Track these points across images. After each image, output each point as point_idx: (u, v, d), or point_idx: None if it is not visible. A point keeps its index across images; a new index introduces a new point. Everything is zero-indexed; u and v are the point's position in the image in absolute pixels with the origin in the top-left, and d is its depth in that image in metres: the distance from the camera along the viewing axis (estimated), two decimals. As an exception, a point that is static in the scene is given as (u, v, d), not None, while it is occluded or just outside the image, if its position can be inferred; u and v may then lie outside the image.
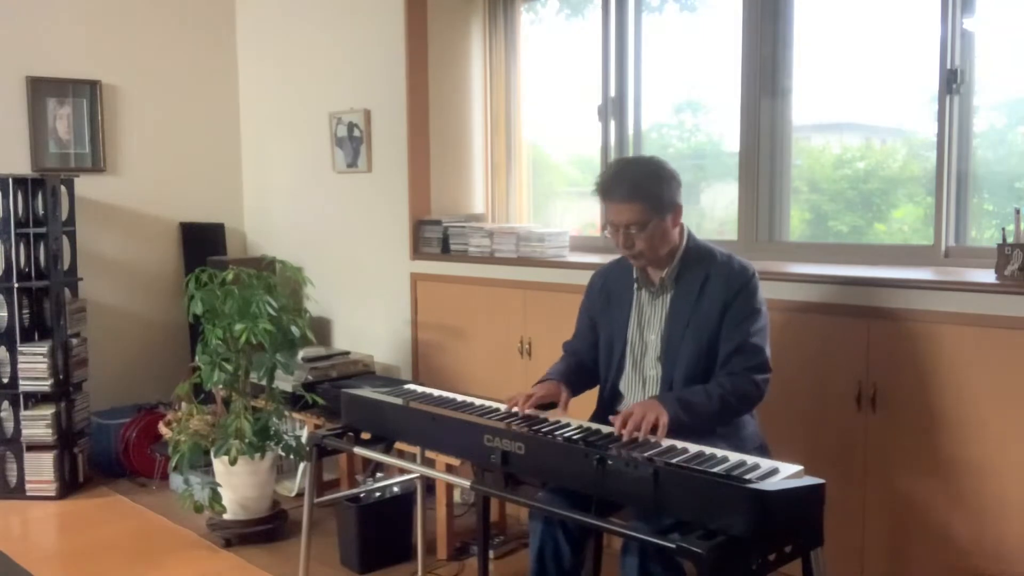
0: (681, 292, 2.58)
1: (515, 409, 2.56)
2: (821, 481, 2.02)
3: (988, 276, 2.71)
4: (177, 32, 5.22)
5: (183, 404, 3.85)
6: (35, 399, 4.37)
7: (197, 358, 3.81)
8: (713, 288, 2.53)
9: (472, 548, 3.60)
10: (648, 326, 2.64)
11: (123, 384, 4.96)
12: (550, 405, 2.63)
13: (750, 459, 2.15)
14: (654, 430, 2.30)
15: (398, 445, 3.03)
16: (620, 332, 2.68)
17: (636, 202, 2.49)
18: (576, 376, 2.73)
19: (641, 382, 2.65)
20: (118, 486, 4.51)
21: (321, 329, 4.87)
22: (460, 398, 2.85)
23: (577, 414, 2.65)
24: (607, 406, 2.69)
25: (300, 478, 4.28)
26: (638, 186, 2.50)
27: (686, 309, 2.55)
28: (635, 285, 2.68)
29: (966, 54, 3.00)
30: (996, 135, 3.08)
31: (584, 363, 2.78)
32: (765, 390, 2.51)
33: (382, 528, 3.51)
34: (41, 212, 4.36)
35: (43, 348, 4.31)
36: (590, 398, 2.79)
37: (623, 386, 2.68)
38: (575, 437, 2.33)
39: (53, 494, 4.32)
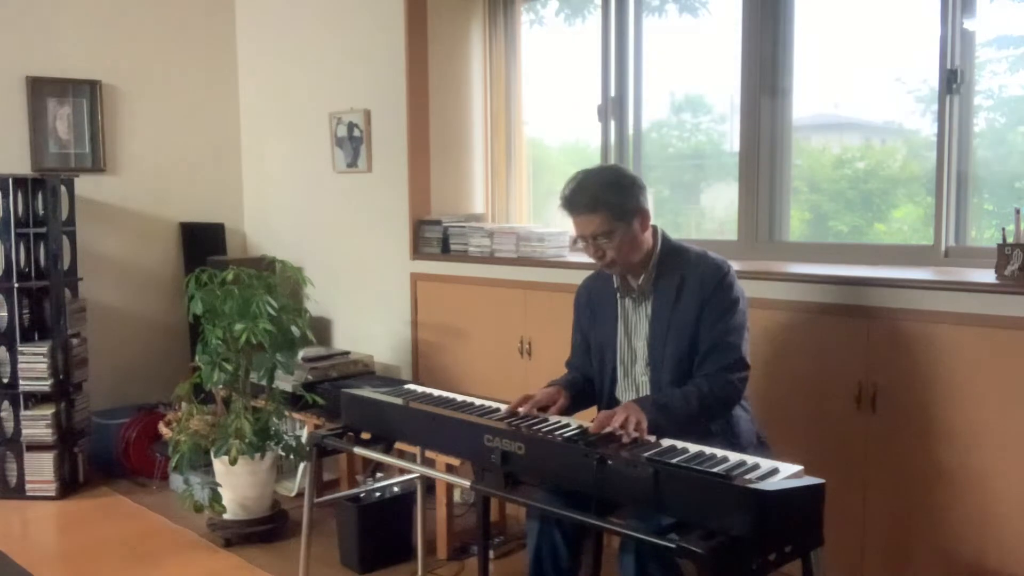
0: (661, 296, 2.58)
1: (520, 411, 2.56)
2: (821, 481, 2.02)
3: (988, 276, 2.71)
4: (177, 32, 5.22)
5: (183, 404, 3.85)
6: (35, 399, 4.37)
7: (197, 358, 3.81)
8: (689, 289, 2.53)
9: (472, 548, 3.60)
10: (635, 333, 2.65)
11: (123, 384, 4.97)
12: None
13: (750, 459, 2.15)
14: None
15: (398, 445, 3.03)
16: (610, 342, 2.69)
17: (598, 212, 2.51)
18: (581, 388, 2.72)
19: (635, 389, 2.65)
20: (118, 486, 4.51)
21: (321, 329, 4.87)
22: (460, 398, 2.85)
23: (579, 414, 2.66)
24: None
25: (300, 478, 4.28)
26: (598, 196, 2.51)
27: (666, 313, 2.56)
28: (617, 294, 2.68)
29: (966, 54, 3.00)
30: (996, 135, 3.08)
31: (588, 376, 2.77)
32: (742, 388, 2.51)
33: (382, 528, 3.51)
34: (41, 212, 4.36)
35: (43, 348, 4.32)
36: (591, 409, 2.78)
37: (619, 394, 2.68)
38: (575, 437, 2.33)
39: (53, 494, 4.32)
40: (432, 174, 4.41)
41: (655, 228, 2.62)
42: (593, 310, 2.75)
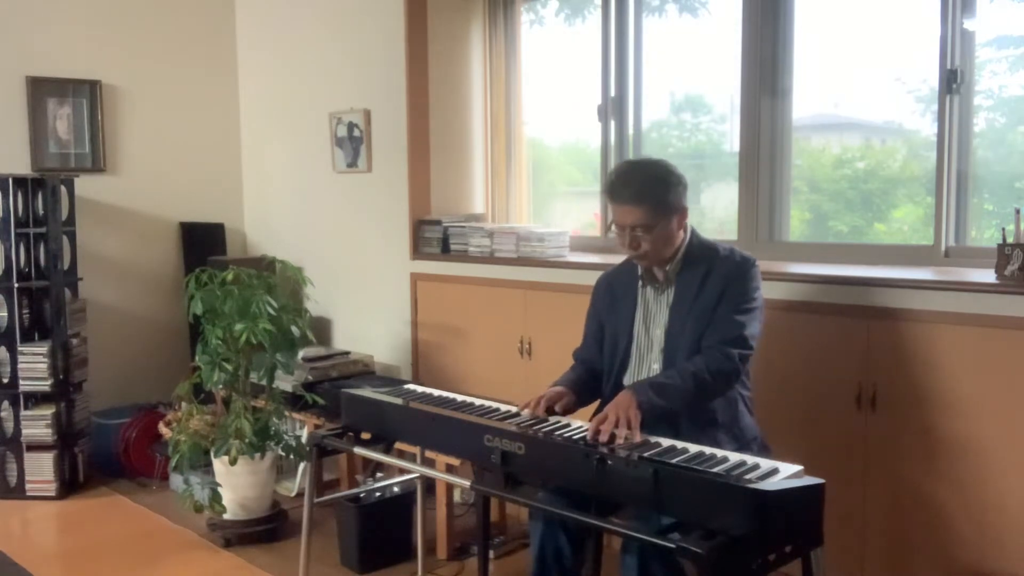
0: (683, 286, 2.60)
1: (525, 412, 2.56)
2: (821, 481, 2.02)
3: (988, 276, 2.71)
4: (177, 32, 5.22)
5: (183, 404, 3.85)
6: (35, 399, 4.37)
7: (197, 358, 3.81)
8: (714, 280, 2.55)
9: (472, 548, 3.60)
10: (654, 322, 2.66)
11: (123, 384, 4.96)
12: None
13: (750, 459, 2.15)
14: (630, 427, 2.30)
15: (398, 445, 3.03)
16: (625, 328, 2.69)
17: (642, 205, 2.52)
18: (585, 385, 2.72)
19: (647, 376, 2.64)
20: (118, 486, 4.50)
21: (321, 329, 4.87)
22: (460, 398, 2.85)
23: (581, 412, 2.66)
24: (609, 401, 2.69)
25: (300, 478, 4.28)
26: (645, 189, 2.53)
27: (688, 302, 2.58)
28: (640, 282, 2.69)
29: (966, 54, 3.00)
30: (996, 135, 3.08)
31: (595, 371, 2.77)
32: (739, 364, 2.50)
33: (382, 528, 3.51)
34: (41, 212, 4.36)
35: (43, 348, 4.31)
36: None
37: (627, 381, 2.67)
38: (575, 437, 2.34)
39: (53, 494, 4.32)
40: (432, 174, 4.41)
41: (686, 224, 2.65)
42: (613, 297, 2.76)
